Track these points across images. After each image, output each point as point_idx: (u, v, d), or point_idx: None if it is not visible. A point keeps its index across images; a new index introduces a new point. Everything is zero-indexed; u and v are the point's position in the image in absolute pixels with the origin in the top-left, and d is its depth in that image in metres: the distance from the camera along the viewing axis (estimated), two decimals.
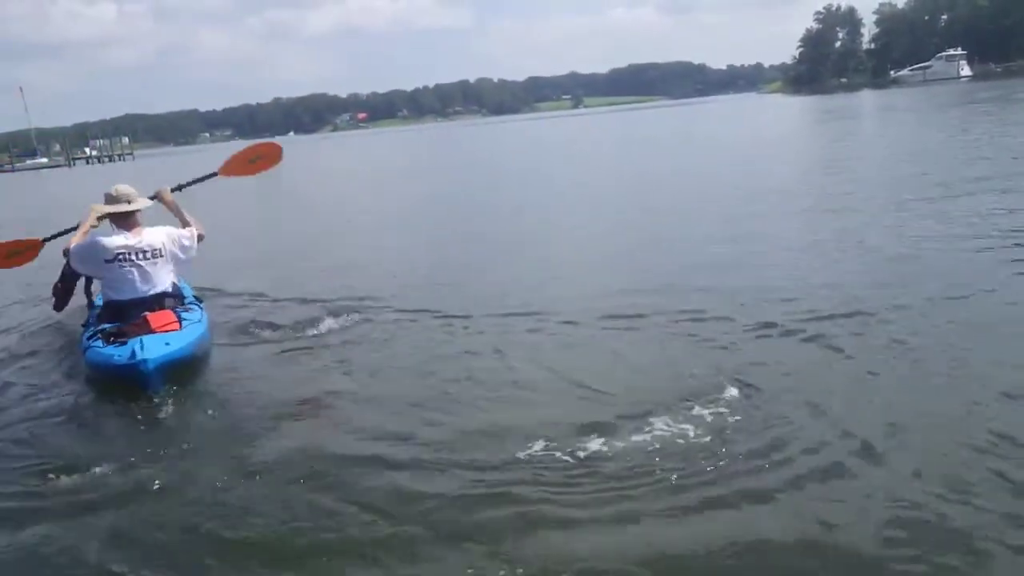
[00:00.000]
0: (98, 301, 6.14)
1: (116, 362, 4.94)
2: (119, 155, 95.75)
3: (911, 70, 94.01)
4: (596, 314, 5.93)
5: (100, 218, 5.93)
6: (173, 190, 6.35)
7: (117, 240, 5.67)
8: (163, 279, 5.78)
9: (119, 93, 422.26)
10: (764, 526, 3.02)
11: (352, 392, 4.87)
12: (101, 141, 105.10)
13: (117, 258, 5.62)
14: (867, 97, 62.08)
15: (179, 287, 6.07)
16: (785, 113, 50.11)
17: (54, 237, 6.49)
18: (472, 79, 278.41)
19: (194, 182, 6.74)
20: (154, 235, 5.81)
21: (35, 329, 7.13)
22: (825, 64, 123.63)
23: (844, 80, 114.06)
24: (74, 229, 6.17)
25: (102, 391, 5.08)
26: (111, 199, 5.78)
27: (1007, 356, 4.43)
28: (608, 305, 6.12)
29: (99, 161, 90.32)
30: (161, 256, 5.76)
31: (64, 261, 6.15)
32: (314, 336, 6.11)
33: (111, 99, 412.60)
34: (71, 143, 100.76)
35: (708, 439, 3.67)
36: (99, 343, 5.24)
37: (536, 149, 35.61)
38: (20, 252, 6.65)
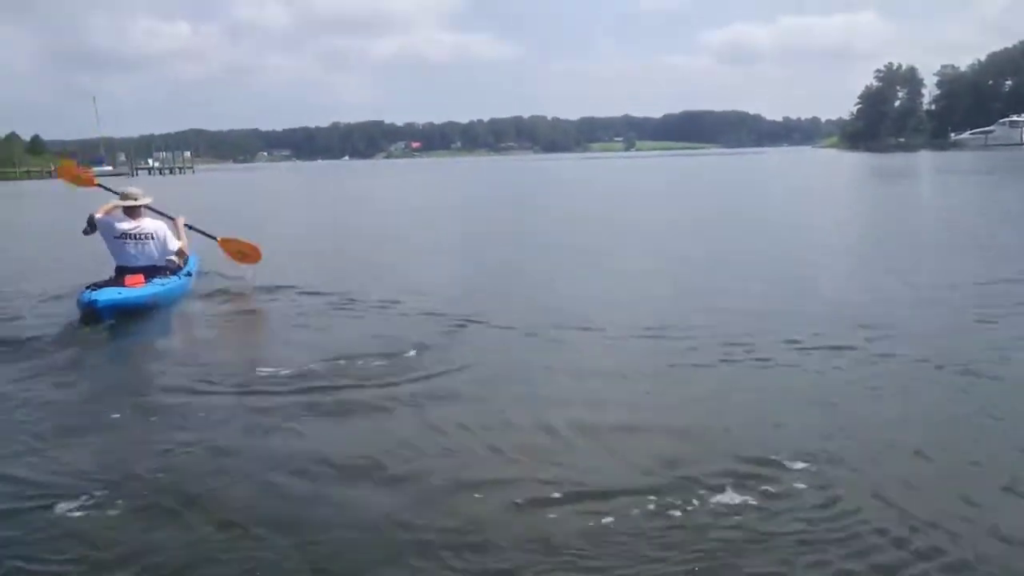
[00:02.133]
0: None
1: (82, 301, 7.20)
2: (180, 168, 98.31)
3: (972, 134, 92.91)
4: (646, 343, 6.07)
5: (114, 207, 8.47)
6: (186, 224, 9.21)
7: (124, 225, 8.31)
8: (152, 255, 8.37)
9: (184, 108, 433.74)
10: None
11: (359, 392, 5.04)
12: (164, 153, 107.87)
13: (122, 236, 8.28)
14: (925, 158, 61.40)
15: (181, 263, 8.69)
16: (841, 168, 49.88)
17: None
18: (526, 115, 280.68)
19: (197, 230, 9.61)
20: (151, 224, 8.50)
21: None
22: (883, 122, 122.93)
23: (902, 140, 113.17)
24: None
25: (81, 322, 7.11)
26: (123, 196, 8.49)
27: None
28: (661, 338, 6.21)
29: (160, 172, 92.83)
30: (152, 239, 8.39)
31: (87, 217, 8.47)
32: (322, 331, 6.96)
33: (177, 113, 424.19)
34: (136, 153, 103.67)
35: (761, 515, 3.29)
36: (86, 291, 7.36)
37: (593, 190, 35.72)
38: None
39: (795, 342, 5.93)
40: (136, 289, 7.73)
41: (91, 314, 7.10)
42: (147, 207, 8.63)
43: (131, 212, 8.40)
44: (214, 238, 9.75)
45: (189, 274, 8.87)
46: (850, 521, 3.21)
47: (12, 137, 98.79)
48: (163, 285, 8.13)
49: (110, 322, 7.10)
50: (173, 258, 8.59)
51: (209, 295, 8.77)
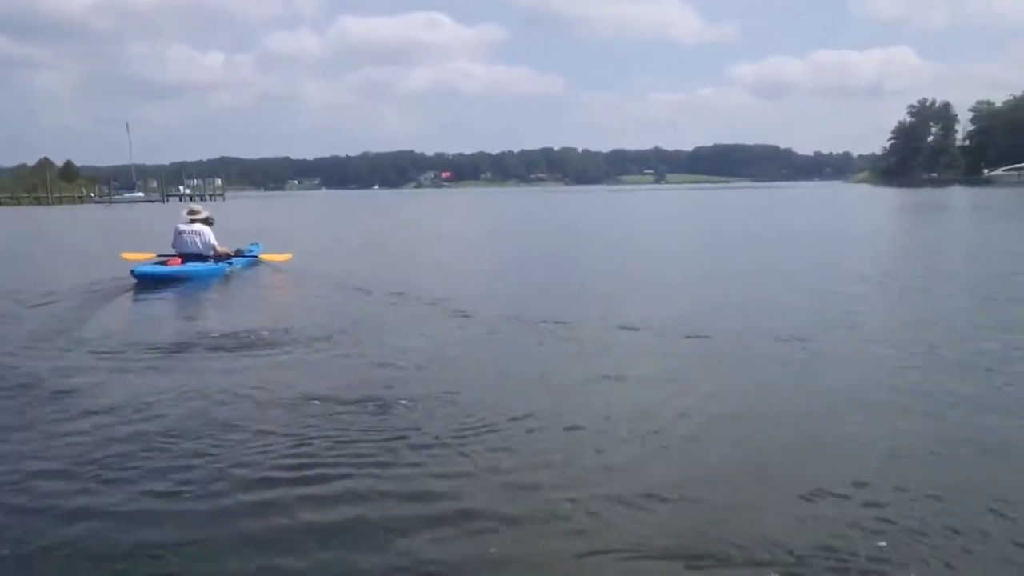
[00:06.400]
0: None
1: (131, 271, 11.39)
2: (211, 195, 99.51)
3: (1006, 170, 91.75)
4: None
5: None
6: (236, 252, 13.70)
7: (184, 226, 12.85)
8: (198, 246, 12.65)
9: (217, 136, 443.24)
10: None
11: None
12: (196, 181, 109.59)
13: (181, 232, 12.81)
14: (958, 194, 60.49)
15: (231, 255, 13.20)
16: (878, 204, 48.99)
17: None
18: (557, 147, 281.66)
19: (242, 255, 13.96)
20: (201, 227, 12.86)
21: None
22: (916, 158, 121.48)
23: (935, 175, 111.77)
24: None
25: (130, 285, 11.23)
26: (189, 211, 13.17)
27: None
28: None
29: (191, 199, 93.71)
30: (199, 236, 12.75)
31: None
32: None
33: (209, 141, 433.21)
34: (168, 180, 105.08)
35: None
36: (137, 265, 11.75)
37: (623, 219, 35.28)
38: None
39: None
40: (170, 267, 11.98)
41: (135, 279, 11.21)
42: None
43: (191, 217, 12.92)
44: (256, 256, 14.28)
45: (230, 263, 13.05)
46: None
47: (44, 163, 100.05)
48: (194, 267, 12.20)
49: (145, 285, 11.12)
50: (218, 250, 12.78)
51: (246, 278, 12.65)
